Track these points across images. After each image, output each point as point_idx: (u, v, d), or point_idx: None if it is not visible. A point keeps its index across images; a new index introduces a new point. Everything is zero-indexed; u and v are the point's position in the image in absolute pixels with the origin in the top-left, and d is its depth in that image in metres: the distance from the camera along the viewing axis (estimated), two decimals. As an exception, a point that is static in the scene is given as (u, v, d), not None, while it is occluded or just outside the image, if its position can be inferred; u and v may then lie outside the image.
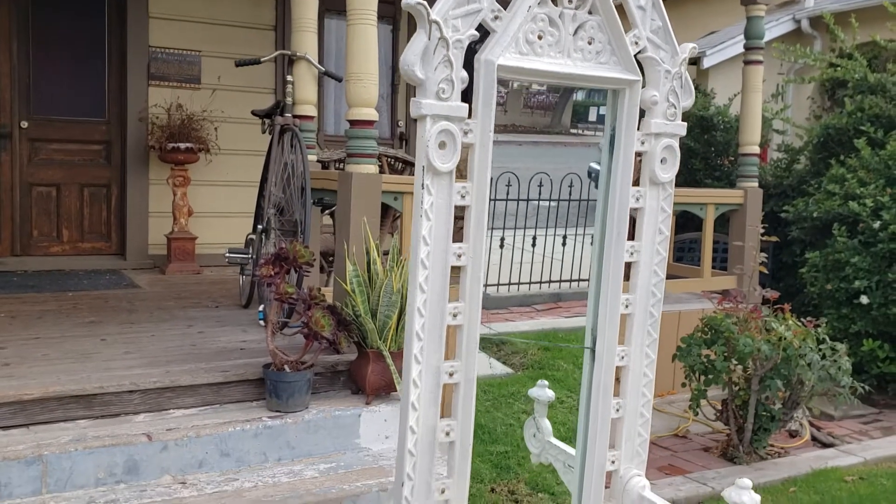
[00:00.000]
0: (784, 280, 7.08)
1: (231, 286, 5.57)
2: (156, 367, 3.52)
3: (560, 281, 6.41)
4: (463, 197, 1.80)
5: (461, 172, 1.83)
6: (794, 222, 6.68)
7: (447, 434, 1.07)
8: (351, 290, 3.58)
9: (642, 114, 2.04)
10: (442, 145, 1.75)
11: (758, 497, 1.08)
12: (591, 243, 1.88)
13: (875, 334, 5.77)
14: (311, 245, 4.00)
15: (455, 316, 1.69)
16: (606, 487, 1.16)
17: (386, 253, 3.75)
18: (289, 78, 4.53)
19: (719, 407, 4.78)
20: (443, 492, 0.85)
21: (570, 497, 1.95)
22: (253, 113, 4.93)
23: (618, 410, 1.29)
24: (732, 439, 4.70)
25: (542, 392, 2.48)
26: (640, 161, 2.06)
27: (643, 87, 1.98)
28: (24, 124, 6.23)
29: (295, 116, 4.54)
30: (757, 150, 6.22)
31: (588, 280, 5.95)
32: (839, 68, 7.24)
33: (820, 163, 7.08)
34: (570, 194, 6.41)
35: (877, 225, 5.71)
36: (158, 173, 6.34)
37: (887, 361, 5.82)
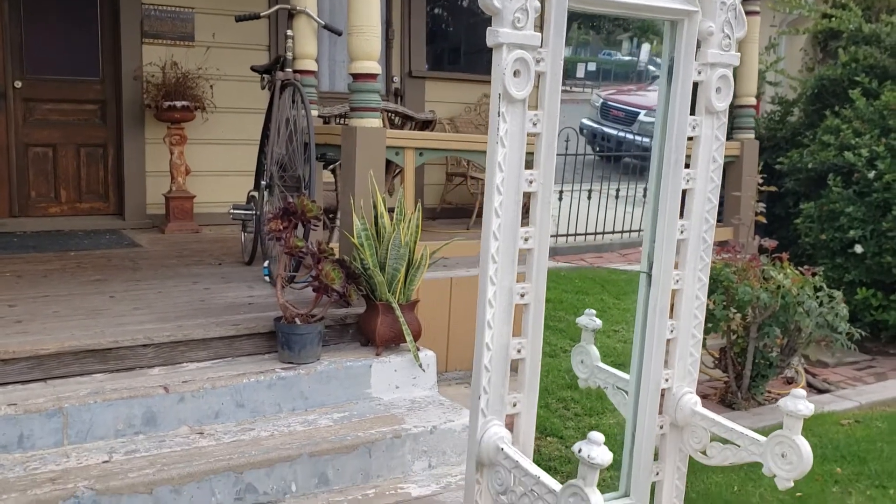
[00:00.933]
0: (777, 232, 7.15)
1: (231, 244, 5.60)
2: (167, 322, 3.56)
3: (576, 234, 6.36)
4: (535, 125, 1.82)
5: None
6: (788, 174, 6.74)
7: (518, 351, 1.10)
8: (359, 244, 3.62)
9: (697, 45, 2.10)
10: (517, 73, 1.77)
11: (812, 405, 1.13)
12: (647, 173, 1.94)
13: (868, 283, 5.87)
14: (315, 201, 4.03)
15: (526, 240, 1.71)
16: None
17: (390, 210, 3.78)
18: (288, 32, 4.51)
19: (717, 355, 4.87)
20: (514, 405, 0.90)
21: (576, 440, 2.02)
22: (252, 69, 4.91)
23: (672, 331, 1.34)
24: (731, 386, 4.79)
25: (590, 321, 2.56)
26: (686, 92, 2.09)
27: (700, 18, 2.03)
28: (18, 84, 6.18)
29: (295, 71, 4.52)
30: (753, 101, 6.24)
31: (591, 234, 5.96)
32: (833, 19, 7.24)
33: (814, 114, 7.11)
34: (566, 149, 6.42)
35: (872, 175, 5.77)
36: (155, 132, 6.31)
37: (880, 309, 5.93)
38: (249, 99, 6.26)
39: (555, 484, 0.85)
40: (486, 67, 1.89)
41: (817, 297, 4.56)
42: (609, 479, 2.35)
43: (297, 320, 3.50)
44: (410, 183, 4.32)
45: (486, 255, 1.56)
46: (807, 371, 5.44)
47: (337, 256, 3.68)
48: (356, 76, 3.87)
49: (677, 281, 1.44)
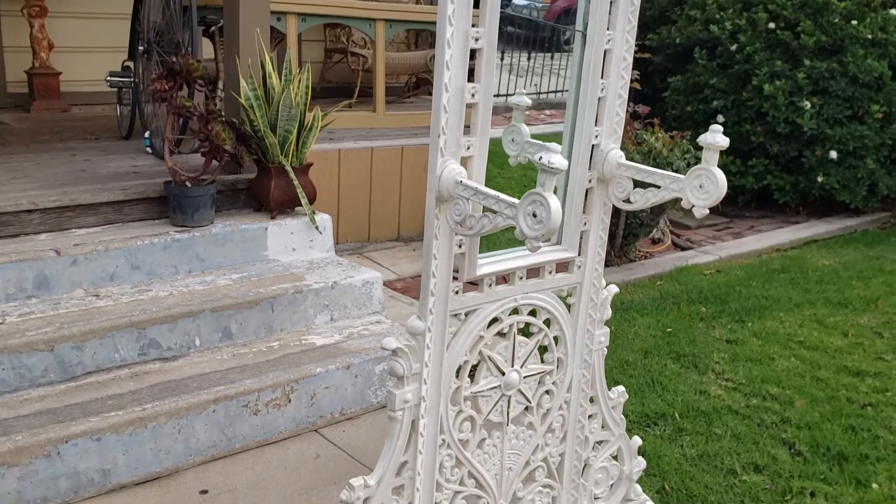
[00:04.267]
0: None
1: (105, 121, 5.37)
2: (51, 189, 3.44)
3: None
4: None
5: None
6: (657, 50, 7.02)
7: (472, 96, 1.13)
8: (248, 106, 3.58)
9: None
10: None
11: (727, 138, 1.25)
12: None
13: (728, 150, 6.29)
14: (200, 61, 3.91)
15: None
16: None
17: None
18: None
19: (595, 217, 5.16)
20: (468, 148, 0.97)
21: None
22: (118, -71, 4.61)
23: (602, 90, 1.42)
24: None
25: (520, 99, 2.67)
26: None
27: None
28: None
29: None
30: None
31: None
32: None
33: (681, -8, 7.38)
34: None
35: (734, 47, 6.10)
36: (10, 3, 5.85)
37: (738, 175, 6.40)
38: (113, -31, 5.88)
39: (513, 199, 0.94)
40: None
41: (685, 159, 4.88)
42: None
43: (188, 183, 3.46)
44: (294, 50, 4.26)
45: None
46: (672, 232, 5.86)
47: (225, 119, 3.63)
48: (236, -68, 3.72)
49: (609, 41, 1.52)
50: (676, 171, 4.74)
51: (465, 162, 1.07)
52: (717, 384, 3.40)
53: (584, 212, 1.28)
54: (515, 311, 1.19)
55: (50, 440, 2.51)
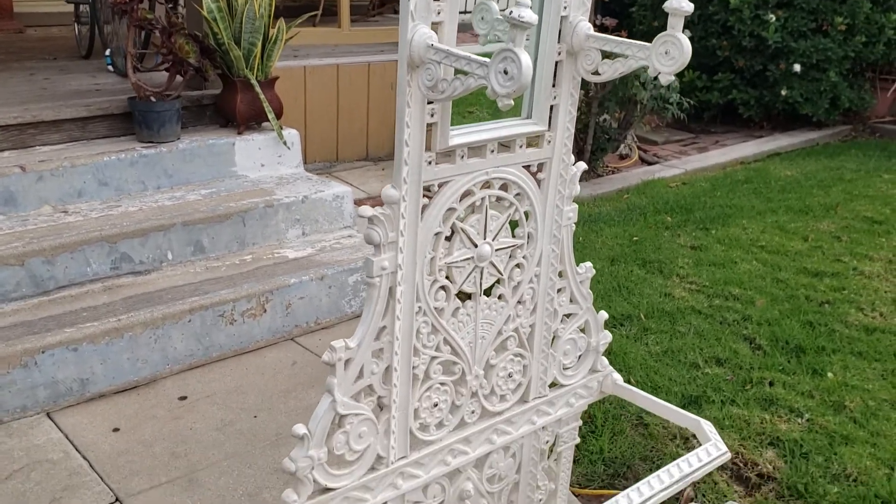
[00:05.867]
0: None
1: (63, 42, 5.24)
2: (11, 107, 3.38)
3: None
4: None
5: None
6: (625, -35, 6.95)
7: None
8: (211, 18, 3.51)
9: None
10: None
11: (693, 5, 1.27)
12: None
13: (695, 66, 6.31)
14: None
15: None
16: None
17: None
18: None
19: (562, 132, 5.19)
20: (438, 13, 0.97)
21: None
22: None
23: None
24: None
25: None
26: None
27: None
28: None
29: None
30: None
31: None
32: None
33: None
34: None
35: (700, -40, 6.06)
36: (-47, -79, 5.63)
37: (704, 90, 6.43)
38: None
39: (484, 59, 0.96)
40: None
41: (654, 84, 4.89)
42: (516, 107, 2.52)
43: (152, 98, 3.42)
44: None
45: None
46: (639, 148, 5.91)
47: (188, 32, 3.56)
48: None
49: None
50: (643, 85, 4.79)
51: (435, 28, 1.08)
52: (682, 287, 3.50)
53: (553, 85, 1.31)
54: (487, 185, 1.22)
55: (26, 350, 2.53)
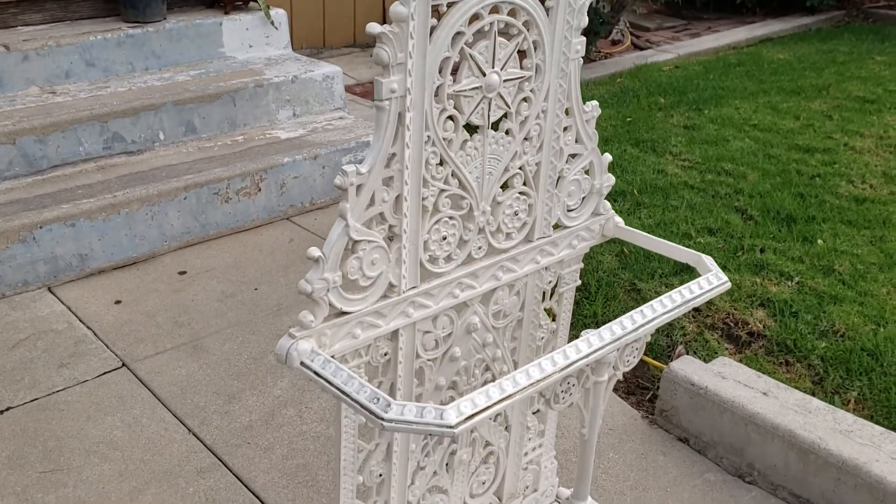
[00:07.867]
0: None
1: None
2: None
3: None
4: None
5: None
6: None
7: None
8: None
9: None
10: None
11: None
12: None
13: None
14: None
15: None
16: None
17: None
18: None
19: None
20: None
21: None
22: None
23: None
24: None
25: None
26: None
27: None
28: None
29: None
30: None
31: None
32: None
33: None
34: None
35: None
36: None
37: (697, -26, 6.29)
38: None
39: None
40: None
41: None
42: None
43: (135, -25, 3.32)
44: None
45: None
46: (632, 33, 5.82)
47: None
48: None
49: None
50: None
51: None
52: (675, 164, 3.51)
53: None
54: (496, 10, 1.21)
55: (24, 226, 2.54)
